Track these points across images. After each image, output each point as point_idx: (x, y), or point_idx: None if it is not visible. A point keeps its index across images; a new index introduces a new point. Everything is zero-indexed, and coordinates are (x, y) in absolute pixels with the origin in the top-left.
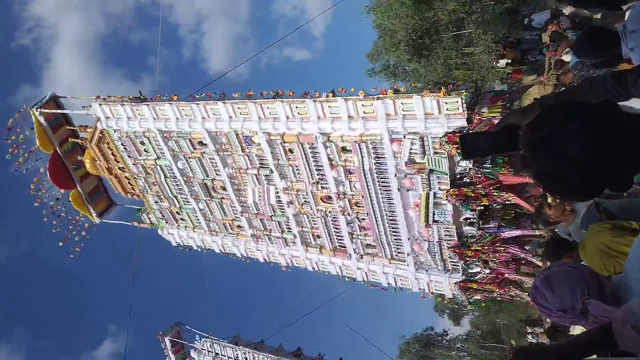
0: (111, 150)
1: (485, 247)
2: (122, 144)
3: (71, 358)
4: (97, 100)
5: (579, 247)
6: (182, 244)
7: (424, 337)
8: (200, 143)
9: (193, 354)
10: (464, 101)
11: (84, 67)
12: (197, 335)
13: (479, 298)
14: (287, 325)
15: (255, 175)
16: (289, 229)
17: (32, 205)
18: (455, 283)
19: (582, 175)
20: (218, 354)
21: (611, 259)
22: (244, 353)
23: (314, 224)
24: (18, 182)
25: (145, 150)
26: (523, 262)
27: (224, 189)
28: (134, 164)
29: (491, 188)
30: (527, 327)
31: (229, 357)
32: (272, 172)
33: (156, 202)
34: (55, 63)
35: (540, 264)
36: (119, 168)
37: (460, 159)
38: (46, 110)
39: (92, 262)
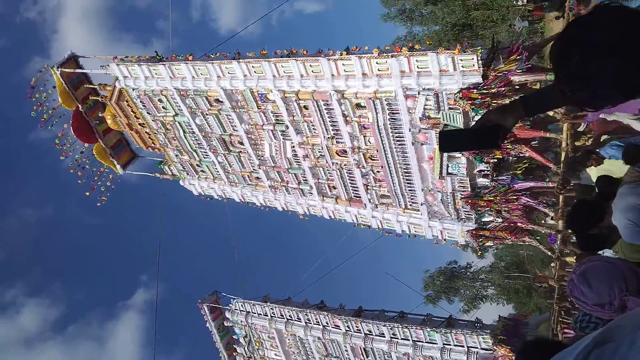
0: (130, 107)
1: (498, 198)
2: (140, 102)
3: (107, 307)
4: (115, 61)
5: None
6: (203, 193)
7: (448, 270)
8: (217, 100)
9: (227, 314)
10: (479, 58)
11: (92, 35)
12: (232, 300)
13: (491, 244)
14: (313, 282)
15: (271, 130)
16: (306, 180)
17: (58, 169)
18: (467, 231)
19: (617, 65)
20: (249, 312)
21: None
22: (272, 309)
23: (330, 176)
24: (43, 149)
25: (163, 107)
26: (535, 211)
27: (241, 143)
28: (153, 121)
29: (505, 142)
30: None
31: (259, 314)
32: (287, 127)
33: (176, 155)
34: (63, 34)
35: (552, 214)
36: (139, 124)
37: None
38: (66, 70)
39: (118, 217)
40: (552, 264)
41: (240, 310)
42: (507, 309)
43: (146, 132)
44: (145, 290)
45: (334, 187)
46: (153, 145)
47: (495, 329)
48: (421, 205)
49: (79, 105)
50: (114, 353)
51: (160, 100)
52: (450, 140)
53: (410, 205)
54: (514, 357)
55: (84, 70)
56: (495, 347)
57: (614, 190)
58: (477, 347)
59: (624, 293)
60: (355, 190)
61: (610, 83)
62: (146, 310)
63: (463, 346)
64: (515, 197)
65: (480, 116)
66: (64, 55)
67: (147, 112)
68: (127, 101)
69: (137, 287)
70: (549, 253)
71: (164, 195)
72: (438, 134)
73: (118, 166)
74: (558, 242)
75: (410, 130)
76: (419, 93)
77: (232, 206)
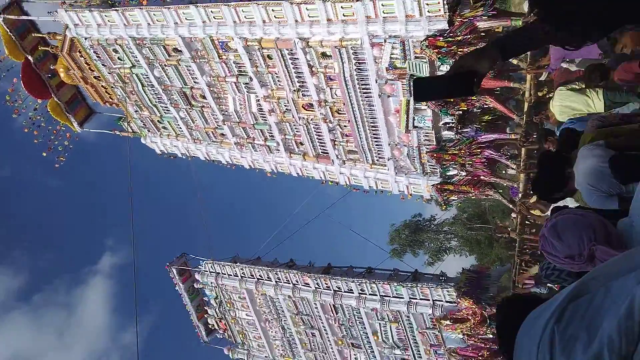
0: (84, 58)
1: (462, 151)
2: (94, 53)
3: (73, 274)
4: (63, 6)
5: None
6: (166, 152)
7: (413, 224)
8: (175, 50)
9: (197, 276)
10: (445, 2)
11: None
12: (201, 261)
13: (455, 199)
14: (281, 242)
15: (235, 83)
16: (272, 136)
17: (12, 127)
18: (432, 185)
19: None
20: (219, 273)
21: None
22: (242, 269)
23: (297, 131)
24: None
25: (119, 58)
26: (497, 163)
27: (204, 97)
28: (109, 73)
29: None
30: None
31: (229, 275)
32: (251, 79)
33: (136, 111)
34: None
35: (514, 166)
36: (95, 77)
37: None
38: (10, 17)
39: (78, 178)
40: (513, 215)
41: (210, 272)
42: (470, 260)
43: (102, 86)
44: (111, 255)
45: (301, 143)
46: (111, 100)
47: (459, 282)
48: (388, 160)
49: (28, 57)
50: (83, 319)
51: (115, 51)
52: (424, 88)
53: (377, 160)
54: (495, 313)
55: (30, 17)
56: (459, 300)
57: (576, 140)
58: (442, 300)
59: (592, 243)
60: (322, 146)
61: (593, 19)
62: (114, 275)
63: (428, 299)
64: (479, 150)
65: (453, 62)
66: (5, 0)
67: (102, 64)
68: (80, 52)
69: (103, 252)
70: (510, 205)
71: (130, 153)
72: (412, 82)
73: (75, 123)
74: (519, 195)
75: (377, 82)
76: (385, 41)
77: (197, 165)
